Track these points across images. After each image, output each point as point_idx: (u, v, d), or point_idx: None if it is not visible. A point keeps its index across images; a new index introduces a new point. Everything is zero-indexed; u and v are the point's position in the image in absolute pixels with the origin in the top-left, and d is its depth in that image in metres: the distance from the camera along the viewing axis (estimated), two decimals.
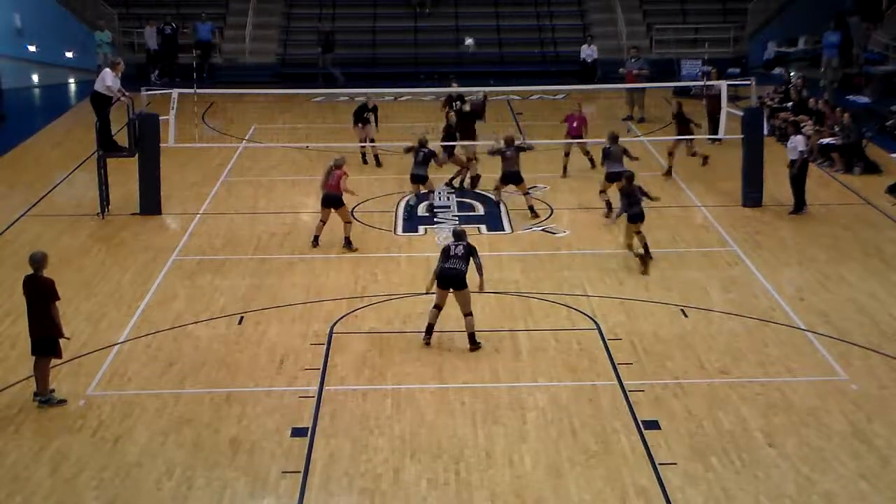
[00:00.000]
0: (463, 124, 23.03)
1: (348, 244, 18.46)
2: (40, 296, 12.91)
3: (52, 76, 35.14)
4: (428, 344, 14.65)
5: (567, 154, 23.43)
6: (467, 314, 14.64)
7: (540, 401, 13.10)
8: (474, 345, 14.64)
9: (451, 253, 14.66)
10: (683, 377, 13.68)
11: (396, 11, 37.62)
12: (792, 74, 29.60)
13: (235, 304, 16.27)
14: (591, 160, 23.54)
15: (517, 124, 28.10)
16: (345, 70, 34.69)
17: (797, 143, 20.61)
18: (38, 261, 13.01)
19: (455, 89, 24.22)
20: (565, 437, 12.26)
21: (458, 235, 14.96)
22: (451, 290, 14.63)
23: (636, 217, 17.54)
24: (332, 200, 18.44)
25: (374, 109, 24.14)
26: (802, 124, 21.36)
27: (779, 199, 21.02)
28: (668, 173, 23.09)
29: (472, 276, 14.63)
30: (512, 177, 20.36)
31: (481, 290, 15.06)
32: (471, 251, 14.74)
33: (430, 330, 14.75)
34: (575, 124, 23.64)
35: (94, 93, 20.44)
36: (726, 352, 14.43)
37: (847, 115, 23.73)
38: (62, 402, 12.98)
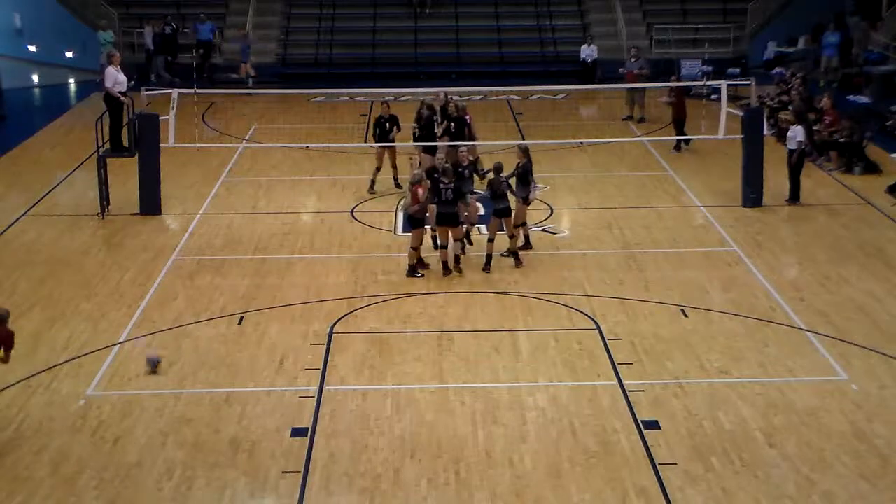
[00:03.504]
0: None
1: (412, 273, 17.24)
2: None
3: (52, 76, 35.13)
4: (459, 270, 16.98)
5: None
6: (459, 239, 17.11)
7: (540, 401, 13.09)
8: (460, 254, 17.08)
9: (443, 198, 16.40)
10: (683, 377, 13.68)
11: (396, 11, 37.60)
12: (792, 75, 29.58)
13: (235, 304, 16.26)
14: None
15: (517, 124, 28.08)
16: (344, 70, 34.70)
17: (796, 132, 20.68)
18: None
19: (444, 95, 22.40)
20: (565, 437, 12.25)
21: (445, 172, 16.66)
22: (447, 226, 16.64)
23: (501, 212, 17.25)
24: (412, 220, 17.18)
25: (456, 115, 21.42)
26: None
27: (779, 198, 20.99)
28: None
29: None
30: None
31: None
32: (459, 189, 16.72)
33: (457, 259, 17.07)
34: None
35: (105, 93, 20.47)
36: (726, 352, 14.43)
37: (845, 121, 23.75)
38: None
